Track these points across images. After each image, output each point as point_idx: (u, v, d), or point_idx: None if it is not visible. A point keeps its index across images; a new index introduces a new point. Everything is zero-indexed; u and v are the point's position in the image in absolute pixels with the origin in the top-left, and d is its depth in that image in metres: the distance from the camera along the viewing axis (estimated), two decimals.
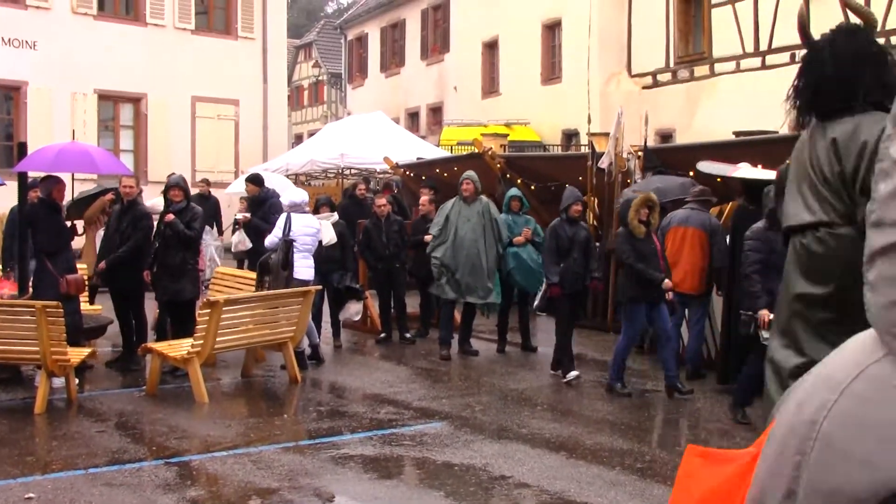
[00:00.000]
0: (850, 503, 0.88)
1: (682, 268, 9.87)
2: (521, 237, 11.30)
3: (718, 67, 21.30)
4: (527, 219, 11.74)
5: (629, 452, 7.39)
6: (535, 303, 10.11)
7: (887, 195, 0.91)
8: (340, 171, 20.76)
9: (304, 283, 10.40)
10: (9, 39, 22.34)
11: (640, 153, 13.03)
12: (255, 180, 10.53)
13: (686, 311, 10.25)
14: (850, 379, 0.94)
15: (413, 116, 34.93)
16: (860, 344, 0.97)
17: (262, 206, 10.13)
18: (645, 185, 11.68)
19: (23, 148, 11.48)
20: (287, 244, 10.24)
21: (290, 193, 12.35)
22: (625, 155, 13.18)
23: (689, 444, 1.50)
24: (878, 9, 17.48)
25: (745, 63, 20.51)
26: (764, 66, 20.01)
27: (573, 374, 9.85)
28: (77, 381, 9.10)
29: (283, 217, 10.55)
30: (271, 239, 10.44)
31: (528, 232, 11.38)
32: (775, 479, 1.00)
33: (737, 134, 13.12)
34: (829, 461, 0.92)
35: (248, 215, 10.07)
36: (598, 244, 13.23)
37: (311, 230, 10.74)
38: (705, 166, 10.78)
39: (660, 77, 23.11)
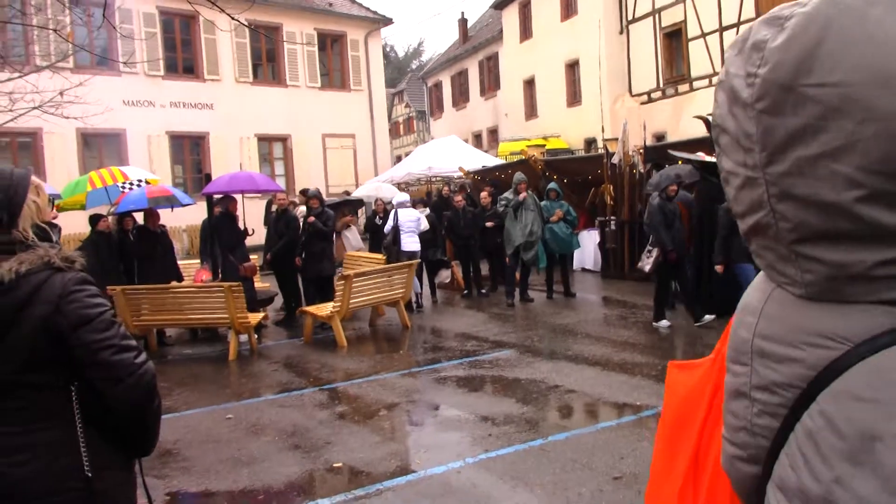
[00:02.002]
0: (785, 389, 0.88)
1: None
2: (555, 217, 11.37)
3: (696, 84, 20.77)
4: (560, 203, 11.70)
5: (646, 364, 7.27)
6: (648, 267, 8.99)
7: (732, 197, 0.93)
8: (429, 178, 20.75)
9: (412, 253, 11.08)
10: (195, 104, 22.75)
11: (641, 151, 12.88)
12: (317, 196, 10.64)
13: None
14: (762, 304, 0.93)
15: (477, 137, 34.71)
16: (762, 279, 0.96)
17: (321, 215, 10.23)
18: (668, 172, 11.42)
19: (208, 177, 11.71)
20: (395, 229, 10.76)
21: (398, 195, 12.55)
22: (630, 153, 13.03)
23: (670, 361, 1.45)
24: None
25: (715, 80, 19.88)
26: None
27: (707, 317, 8.88)
28: (256, 336, 9.27)
29: (392, 212, 11.09)
30: (387, 226, 11.01)
31: (560, 213, 11.50)
32: (734, 387, 0.98)
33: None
34: (764, 365, 0.91)
35: (312, 218, 10.14)
36: (614, 217, 13.11)
37: (413, 218, 11.44)
38: (677, 153, 10.69)
39: (653, 95, 22.61)
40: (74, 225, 14.94)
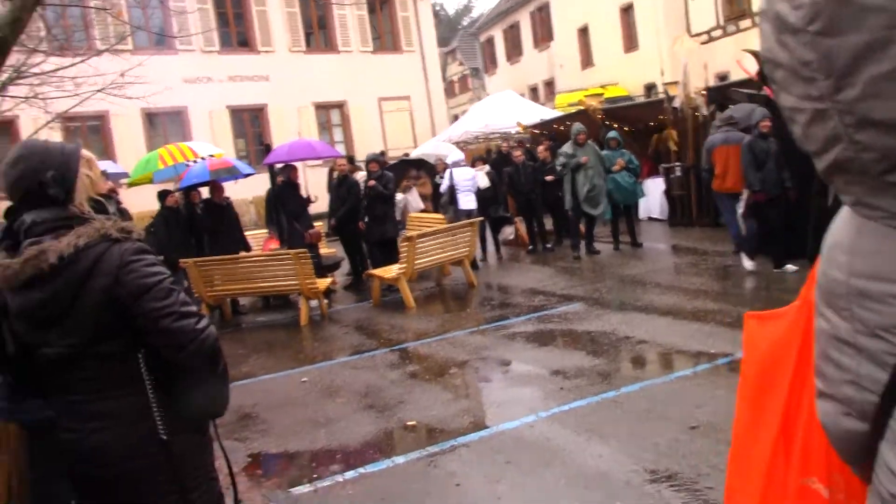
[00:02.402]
0: (892, 333, 0.80)
1: (732, 175, 9.29)
2: (617, 166, 11.13)
3: (759, 19, 19.93)
4: (622, 152, 11.45)
5: (720, 311, 7.11)
6: (740, 210, 8.68)
7: (801, 135, 0.86)
8: (486, 136, 20.55)
9: (469, 211, 11.23)
10: (251, 76, 22.95)
11: (703, 92, 12.48)
12: (376, 160, 10.65)
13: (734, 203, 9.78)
14: (854, 240, 0.86)
15: (534, 90, 34.18)
16: (848, 214, 0.88)
17: (381, 178, 10.23)
18: (728, 115, 11.08)
19: (268, 148, 11.83)
20: (451, 188, 10.85)
21: (452, 155, 12.49)
22: (692, 95, 12.63)
23: (746, 312, 1.36)
24: None
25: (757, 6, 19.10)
26: None
27: (790, 266, 8.36)
28: (326, 301, 9.41)
29: (447, 171, 11.14)
30: (443, 185, 11.12)
31: (622, 162, 11.26)
32: (831, 334, 0.89)
33: None
34: (865, 307, 0.83)
35: (373, 182, 10.14)
36: (678, 163, 12.77)
37: (468, 176, 11.68)
38: (736, 93, 10.24)
39: (713, 34, 21.81)
40: (144, 202, 15.38)
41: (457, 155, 12.36)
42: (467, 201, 11.47)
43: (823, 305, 0.91)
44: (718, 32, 21.69)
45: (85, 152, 2.27)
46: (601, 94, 22.72)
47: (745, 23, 20.50)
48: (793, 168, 8.69)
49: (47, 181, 2.09)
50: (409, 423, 5.14)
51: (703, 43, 22.00)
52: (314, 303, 9.14)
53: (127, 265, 2.05)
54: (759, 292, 8.05)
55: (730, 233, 9.99)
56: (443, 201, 11.51)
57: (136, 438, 2.09)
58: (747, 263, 8.70)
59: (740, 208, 8.54)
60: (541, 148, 12.77)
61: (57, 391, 2.16)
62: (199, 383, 2.18)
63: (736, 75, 18.61)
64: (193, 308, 2.16)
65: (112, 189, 8.30)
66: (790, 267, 8.36)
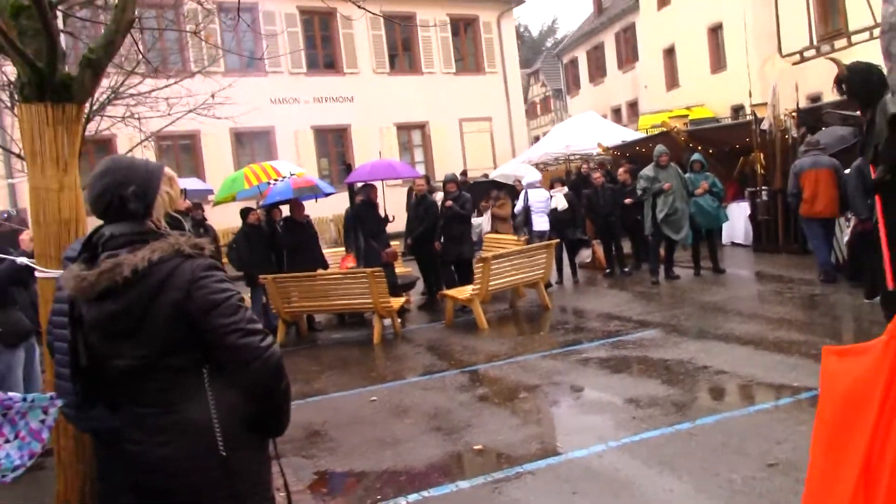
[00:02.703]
0: None
1: (822, 200, 9.22)
2: (700, 189, 10.84)
3: (854, 38, 19.13)
4: (706, 175, 11.14)
5: (805, 343, 6.78)
6: (846, 238, 8.16)
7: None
8: (567, 157, 20.37)
9: (542, 232, 11.49)
10: (336, 97, 23.47)
11: (793, 114, 12.05)
12: (454, 180, 10.66)
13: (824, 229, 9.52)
14: None
15: (616, 112, 33.79)
16: None
17: (458, 199, 10.22)
18: (815, 139, 10.72)
19: (349, 167, 12.04)
20: (526, 209, 10.90)
21: (527, 176, 12.50)
22: (782, 117, 12.21)
23: (824, 346, 1.24)
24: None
25: (876, 31, 18.30)
26: None
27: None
28: (399, 320, 9.45)
29: (523, 192, 11.25)
30: (518, 206, 11.22)
31: (705, 185, 10.97)
32: None
33: None
34: None
35: (450, 202, 10.15)
36: (765, 187, 12.36)
37: (543, 198, 11.78)
38: (829, 115, 9.79)
39: (806, 54, 21.06)
40: (228, 219, 15.85)
41: (532, 176, 12.37)
42: (541, 222, 11.52)
43: None
44: (811, 52, 20.95)
45: (167, 170, 2.34)
46: (686, 116, 22.27)
47: (841, 42, 19.74)
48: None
49: (128, 196, 2.16)
50: (476, 447, 5.07)
51: (795, 63, 21.31)
52: (388, 321, 9.19)
53: (198, 280, 2.09)
54: (848, 323, 7.67)
55: (817, 260, 9.64)
56: (517, 222, 11.54)
57: (198, 453, 2.11)
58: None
59: (846, 237, 7.98)
60: (621, 170, 12.57)
61: (125, 403, 2.21)
62: (261, 401, 2.20)
63: (829, 97, 17.94)
64: (259, 326, 2.19)
65: (189, 207, 8.59)
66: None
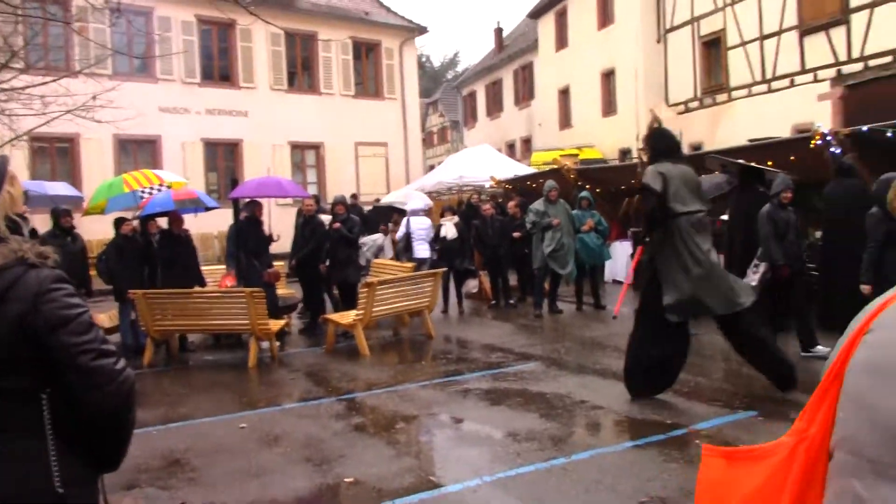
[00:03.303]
0: None
1: None
2: (586, 226, 11.12)
3: (735, 94, 20.24)
4: (592, 213, 11.45)
5: (678, 381, 6.91)
6: (753, 283, 7.67)
7: None
8: (460, 187, 20.51)
9: (423, 259, 11.56)
10: (229, 111, 22.84)
11: None
12: (342, 202, 10.56)
13: None
14: None
15: (511, 146, 34.42)
16: None
17: (346, 221, 10.13)
18: (716, 180, 11.17)
19: (235, 182, 11.63)
20: (407, 236, 10.96)
21: (411, 203, 12.51)
22: None
23: (704, 444, 1.10)
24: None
25: (755, 89, 19.41)
26: (770, 91, 18.92)
27: (820, 348, 7.54)
28: (278, 343, 9.10)
29: (405, 219, 11.31)
30: (399, 233, 11.26)
31: (591, 223, 11.30)
32: None
33: (751, 140, 12.36)
34: None
35: (338, 224, 10.03)
36: None
37: (425, 226, 11.88)
38: (711, 160, 10.30)
39: (690, 105, 22.11)
40: (98, 229, 15.01)
41: (416, 203, 12.38)
42: (422, 250, 11.57)
43: None
44: (695, 104, 22.01)
45: (10, 168, 2.06)
46: (577, 155, 22.88)
47: (722, 96, 20.84)
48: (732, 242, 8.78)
49: None
50: (348, 479, 4.84)
51: (680, 113, 22.32)
52: (265, 344, 8.83)
53: (46, 293, 1.83)
54: (718, 363, 7.90)
55: None
56: (398, 248, 11.55)
57: (29, 488, 1.83)
58: (819, 348, 7.65)
59: (752, 282, 7.80)
60: (511, 203, 12.72)
61: None
62: (107, 430, 1.95)
63: (710, 146, 18.89)
64: (112, 347, 1.95)
65: (26, 210, 7.99)
66: (821, 349, 7.55)
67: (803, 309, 7.78)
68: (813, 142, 9.22)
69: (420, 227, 11.68)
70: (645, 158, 7.25)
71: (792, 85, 18.29)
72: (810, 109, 16.93)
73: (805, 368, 7.19)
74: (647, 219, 6.54)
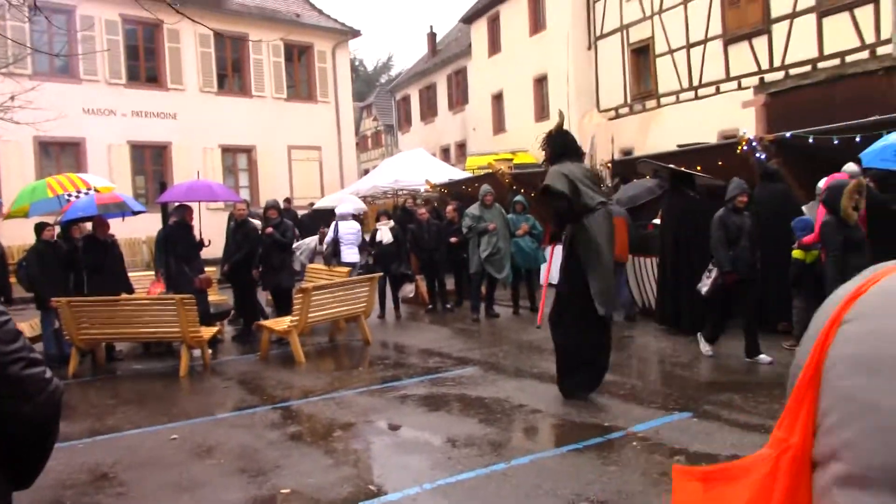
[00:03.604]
0: None
1: (618, 245, 9.79)
2: (521, 230, 11.16)
3: (663, 101, 20.74)
4: (527, 217, 11.52)
5: (614, 383, 7.00)
6: (705, 289, 7.72)
7: None
8: (395, 191, 20.42)
9: (352, 263, 11.45)
10: (157, 113, 22.22)
11: (608, 165, 12.74)
12: (275, 207, 10.44)
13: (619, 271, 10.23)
14: None
15: (445, 151, 34.49)
16: None
17: (279, 226, 10.03)
18: (623, 192, 11.49)
19: (163, 186, 11.31)
20: (336, 241, 10.89)
21: (339, 208, 12.43)
22: (598, 167, 12.88)
23: (675, 465, 1.04)
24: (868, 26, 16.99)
25: (682, 96, 19.92)
26: (697, 98, 19.44)
27: (764, 357, 7.46)
28: (210, 351, 8.86)
29: (333, 223, 11.27)
30: (327, 238, 11.17)
31: (525, 227, 11.34)
32: None
33: (680, 146, 12.66)
34: None
35: (271, 229, 9.91)
36: None
37: (353, 230, 11.69)
38: (644, 164, 10.53)
39: (620, 111, 22.55)
40: (19, 234, 14.40)
41: (345, 208, 12.29)
42: (350, 254, 11.45)
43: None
44: (625, 110, 22.45)
45: None
46: (511, 160, 23.06)
47: (651, 103, 21.30)
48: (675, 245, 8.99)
49: None
50: (284, 490, 4.72)
51: (611, 119, 22.73)
52: (197, 352, 8.58)
53: None
54: (654, 365, 8.04)
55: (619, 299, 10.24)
56: (326, 253, 11.41)
57: None
58: (704, 348, 7.92)
59: (704, 287, 7.82)
60: (449, 208, 12.72)
61: None
62: (34, 442, 1.82)
63: (640, 151, 19.30)
64: (39, 356, 1.83)
65: None
66: (764, 357, 7.48)
67: (751, 316, 7.66)
68: (739, 147, 9.47)
69: (348, 231, 11.52)
70: (543, 159, 7.33)
71: (718, 92, 18.82)
72: (735, 116, 17.46)
73: (750, 369, 7.39)
74: (557, 218, 6.72)
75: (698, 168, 10.05)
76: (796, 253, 7.85)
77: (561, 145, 6.81)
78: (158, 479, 5.02)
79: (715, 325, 7.93)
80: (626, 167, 12.59)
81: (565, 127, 7.05)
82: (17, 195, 11.13)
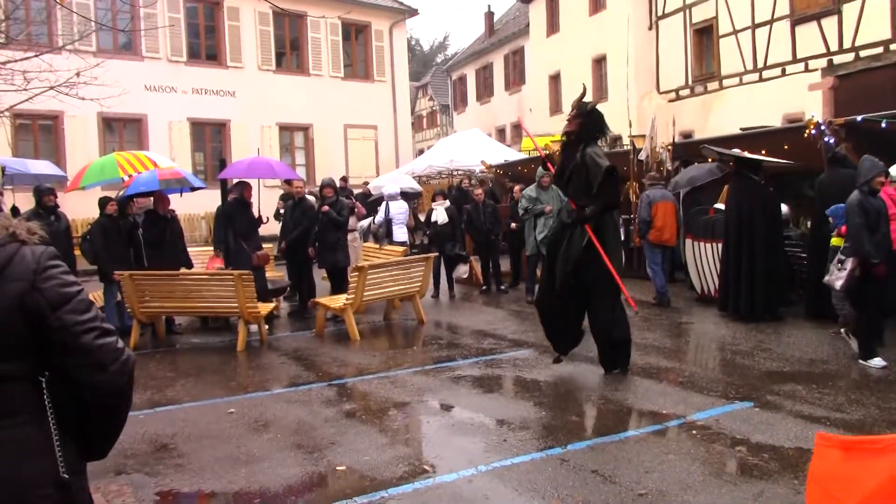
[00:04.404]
0: None
1: (669, 230, 10.38)
2: None
3: (726, 83, 20.16)
4: None
5: (673, 370, 6.87)
6: (840, 283, 6.82)
7: None
8: (450, 171, 20.37)
9: (402, 242, 11.70)
10: (216, 90, 22.53)
11: (669, 147, 12.45)
12: (331, 185, 10.43)
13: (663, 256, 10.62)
14: None
15: (501, 132, 34.25)
16: None
17: (335, 204, 10.03)
18: (683, 175, 11.23)
19: (223, 163, 11.43)
20: (388, 221, 10.93)
21: (387, 189, 12.53)
22: (658, 149, 12.60)
23: (818, 432, 1.00)
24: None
25: (746, 78, 19.34)
26: (761, 80, 18.85)
27: (878, 361, 6.64)
28: (266, 327, 8.96)
29: (384, 204, 11.34)
30: (378, 218, 11.81)
31: None
32: None
33: (743, 129, 12.30)
34: None
35: (327, 207, 9.93)
36: (636, 215, 12.68)
37: (403, 210, 11.98)
38: (706, 150, 10.28)
39: (681, 92, 22.01)
40: (83, 208, 14.76)
41: (393, 188, 12.43)
42: (401, 233, 11.65)
43: None
44: (686, 92, 21.91)
45: None
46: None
47: (713, 84, 20.75)
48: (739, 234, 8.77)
49: None
50: (339, 467, 4.73)
51: (671, 101, 22.23)
52: (254, 328, 8.69)
53: (45, 270, 1.75)
54: (713, 353, 7.85)
55: (655, 284, 10.43)
56: (380, 233, 11.58)
57: (29, 477, 1.72)
58: (876, 362, 6.67)
59: (839, 281, 6.90)
60: (517, 188, 12.65)
61: None
62: (106, 413, 1.86)
63: (700, 133, 18.84)
64: (112, 326, 1.87)
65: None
66: (878, 361, 6.65)
67: (877, 309, 6.84)
68: (807, 131, 9.15)
69: (399, 211, 11.74)
70: (565, 131, 6.86)
71: (783, 74, 18.23)
72: (801, 99, 16.90)
73: (814, 360, 7.16)
74: (612, 201, 6.76)
75: (763, 152, 9.76)
76: (835, 241, 7.44)
77: (599, 125, 6.66)
78: (216, 451, 5.09)
79: (872, 327, 6.87)
80: (687, 150, 12.31)
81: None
82: (87, 172, 11.39)
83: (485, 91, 37.23)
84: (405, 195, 14.31)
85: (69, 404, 1.82)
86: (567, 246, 6.61)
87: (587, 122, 6.70)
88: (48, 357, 1.78)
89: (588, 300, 6.74)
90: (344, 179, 18.23)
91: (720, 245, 9.53)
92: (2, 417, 1.73)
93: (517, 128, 33.13)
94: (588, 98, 7.02)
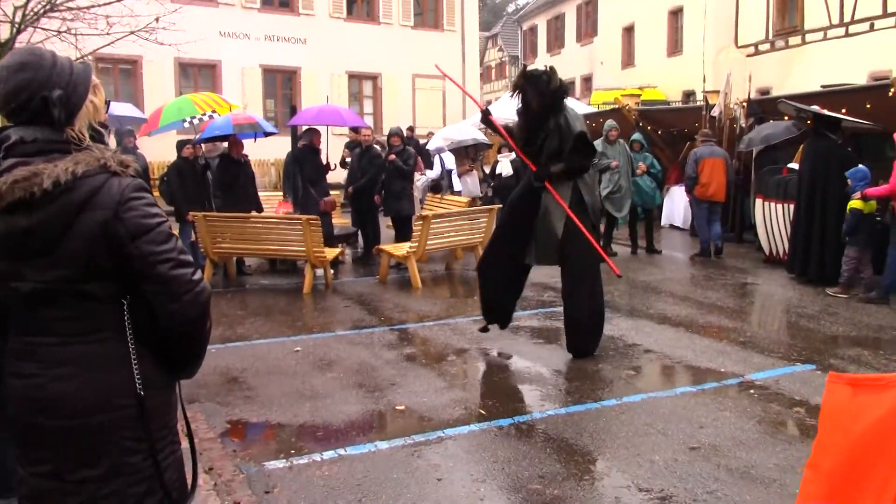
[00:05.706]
0: None
1: (715, 185, 10.50)
2: (640, 170, 11.02)
3: (809, 37, 19.36)
4: (645, 155, 11.29)
5: (734, 330, 6.83)
6: None
7: None
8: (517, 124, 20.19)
9: (458, 192, 12.06)
10: (288, 38, 22.73)
11: (744, 104, 12.09)
12: (398, 134, 10.44)
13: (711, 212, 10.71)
14: None
15: (570, 84, 33.74)
16: None
17: (401, 153, 10.07)
18: (758, 132, 10.92)
19: (293, 110, 11.63)
20: (448, 172, 11.20)
21: (433, 142, 12.78)
22: (732, 106, 12.25)
23: (830, 372, 1.04)
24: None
25: (831, 33, 18.54)
26: (847, 35, 18.04)
27: None
28: (332, 271, 9.20)
29: (437, 158, 11.70)
30: (436, 172, 12.13)
31: (643, 166, 11.09)
32: None
33: (824, 87, 11.85)
34: None
35: (393, 156, 9.99)
36: None
37: (453, 161, 12.43)
38: (784, 105, 9.94)
39: (760, 47, 21.25)
40: (161, 151, 15.23)
41: (439, 141, 12.76)
42: (457, 183, 12.03)
43: None
44: (766, 46, 21.14)
45: (95, 77, 2.06)
46: (639, 96, 22.30)
47: (795, 39, 19.95)
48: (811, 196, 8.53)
49: (52, 100, 1.87)
50: (399, 407, 4.92)
51: (749, 55, 21.51)
52: (320, 271, 8.93)
53: (128, 201, 1.86)
54: (777, 314, 7.75)
55: (699, 237, 10.81)
56: (443, 185, 11.80)
57: (109, 389, 1.89)
58: None
59: None
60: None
61: (18, 332, 1.95)
62: (183, 338, 2.00)
63: (778, 91, 18.23)
64: (190, 258, 1.99)
65: (105, 120, 8.04)
66: None
67: None
68: (893, 90, 8.78)
69: (452, 163, 12.15)
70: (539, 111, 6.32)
71: (871, 29, 17.42)
72: (890, 56, 16.13)
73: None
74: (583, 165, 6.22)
75: (843, 111, 9.41)
76: (855, 202, 7.69)
77: (563, 89, 6.24)
78: (283, 386, 5.33)
79: None
80: (763, 107, 11.93)
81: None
82: (163, 112, 11.75)
83: (556, 42, 36.58)
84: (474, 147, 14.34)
85: (149, 327, 1.96)
86: (543, 223, 6.04)
87: (558, 88, 6.12)
88: (130, 282, 1.92)
89: (563, 282, 6.26)
90: (410, 129, 18.29)
91: (792, 206, 9.30)
92: (89, 332, 1.89)
93: (587, 81, 32.53)
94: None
